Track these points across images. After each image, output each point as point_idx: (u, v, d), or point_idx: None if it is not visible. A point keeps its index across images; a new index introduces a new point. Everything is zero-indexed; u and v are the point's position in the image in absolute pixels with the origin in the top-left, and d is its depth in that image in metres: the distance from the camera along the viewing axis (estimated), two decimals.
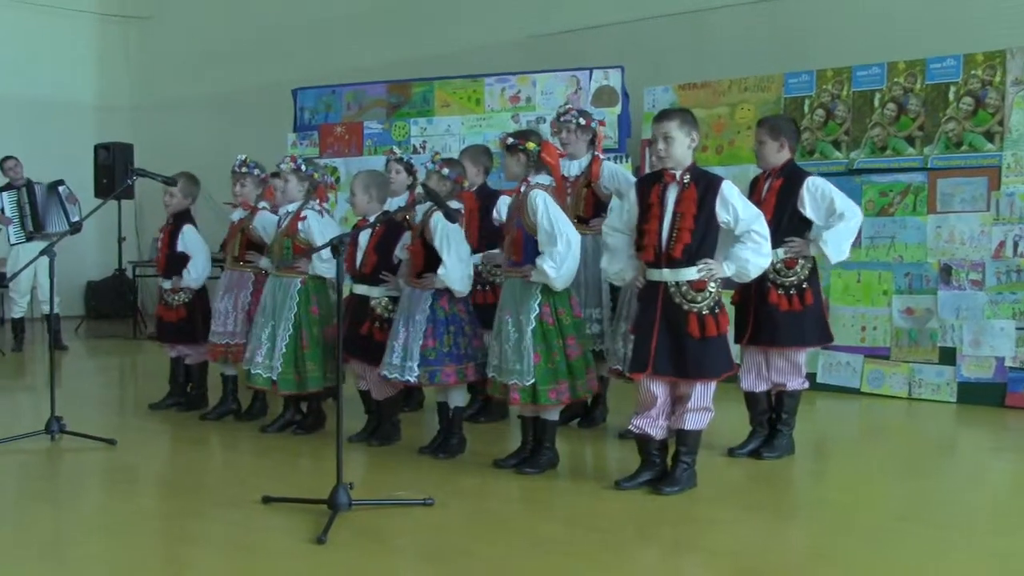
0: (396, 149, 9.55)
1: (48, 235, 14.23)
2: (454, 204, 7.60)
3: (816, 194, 7.47)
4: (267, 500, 6.49)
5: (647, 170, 8.27)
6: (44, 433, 8.36)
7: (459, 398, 7.93)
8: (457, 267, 7.49)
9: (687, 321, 6.57)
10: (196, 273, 9.51)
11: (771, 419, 7.84)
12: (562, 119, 8.51)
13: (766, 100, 11.38)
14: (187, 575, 5.50)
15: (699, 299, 6.57)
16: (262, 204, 9.29)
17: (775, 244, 7.26)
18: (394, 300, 8.10)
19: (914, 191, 10.37)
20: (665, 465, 6.86)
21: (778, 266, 7.45)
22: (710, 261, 6.56)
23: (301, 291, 8.50)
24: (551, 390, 7.08)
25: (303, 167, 8.64)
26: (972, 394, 9.93)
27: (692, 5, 13.42)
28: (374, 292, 8.11)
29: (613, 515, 6.35)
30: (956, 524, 6.27)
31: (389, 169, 8.99)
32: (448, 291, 7.61)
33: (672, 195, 6.65)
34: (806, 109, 11.10)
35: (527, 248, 7.07)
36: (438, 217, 7.42)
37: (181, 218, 9.64)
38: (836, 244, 7.45)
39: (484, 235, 8.62)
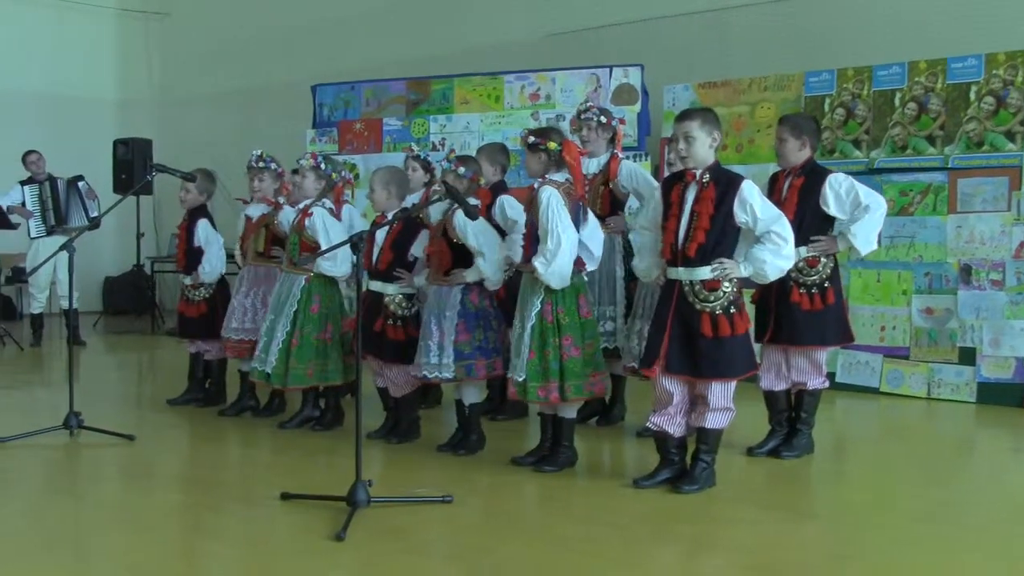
0: (414, 146, 9.59)
1: (69, 230, 14.25)
2: (473, 202, 7.60)
3: (840, 190, 7.44)
4: (285, 496, 6.49)
5: (666, 169, 8.24)
6: (63, 428, 8.37)
7: (474, 394, 7.92)
8: (495, 259, 7.52)
9: (700, 321, 6.56)
10: (210, 267, 9.52)
11: (791, 418, 7.82)
12: (583, 116, 8.51)
13: (786, 99, 11.36)
14: (205, 570, 5.51)
15: (712, 299, 6.55)
16: (282, 199, 9.29)
17: (797, 243, 7.25)
18: (408, 297, 8.12)
19: (934, 191, 10.34)
20: (684, 463, 6.85)
21: (800, 265, 7.42)
22: (726, 261, 6.54)
23: (304, 288, 8.52)
24: (540, 388, 7.09)
25: (322, 165, 8.64)
26: (992, 394, 9.90)
27: (712, 3, 13.40)
28: (388, 289, 8.10)
29: (631, 513, 6.34)
30: (975, 525, 6.24)
31: (407, 166, 9.00)
32: (477, 286, 7.65)
33: (691, 194, 6.64)
34: (826, 108, 11.08)
35: (534, 244, 7.07)
36: (460, 216, 7.42)
37: (197, 213, 9.66)
38: (865, 235, 7.43)
39: None
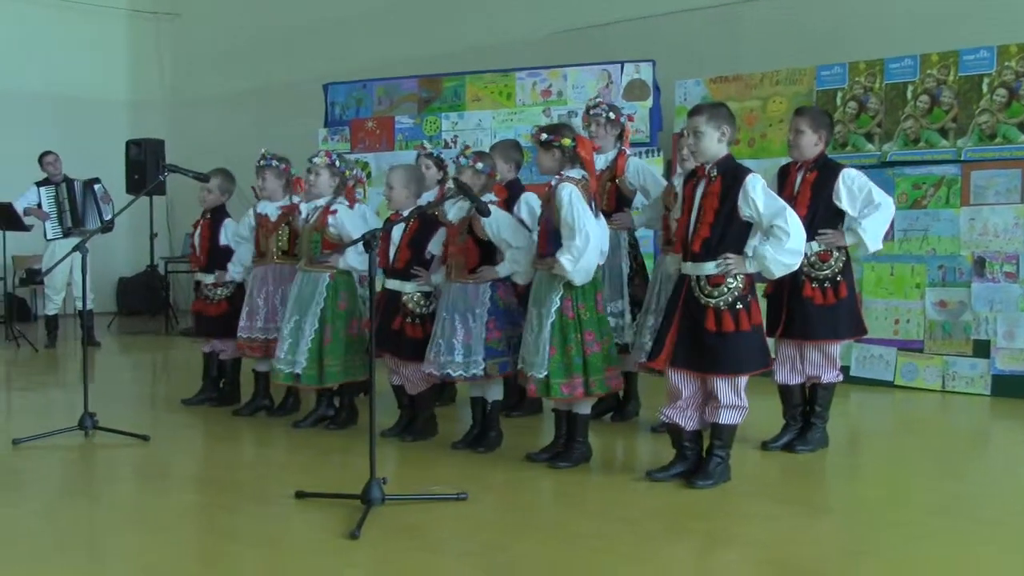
0: (427, 144, 9.58)
1: (85, 232, 14.26)
2: (489, 197, 7.61)
3: (852, 186, 7.43)
4: (300, 495, 6.50)
5: (678, 164, 8.25)
6: (78, 429, 8.39)
7: (497, 392, 7.94)
8: (525, 252, 7.49)
9: (704, 316, 6.57)
10: (241, 266, 9.53)
11: (805, 412, 7.82)
12: (592, 112, 8.52)
13: (798, 93, 11.35)
14: (221, 569, 5.51)
15: (715, 294, 6.55)
16: (296, 198, 9.30)
17: (809, 237, 7.26)
18: (426, 295, 8.11)
19: (947, 183, 10.33)
20: (699, 457, 6.85)
21: (812, 259, 7.42)
22: (731, 256, 6.52)
23: (330, 286, 8.51)
24: (564, 384, 7.07)
25: (337, 163, 8.65)
26: (1006, 387, 9.89)
27: None
28: (406, 287, 8.09)
29: (646, 509, 6.36)
30: (990, 519, 6.23)
31: (419, 164, 9.00)
32: (503, 282, 7.66)
33: (700, 189, 6.65)
34: (838, 102, 11.07)
35: (552, 241, 7.06)
36: (492, 211, 7.45)
37: (219, 213, 9.68)
38: (874, 232, 7.43)
39: None
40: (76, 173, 15.22)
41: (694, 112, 6.71)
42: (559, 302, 7.05)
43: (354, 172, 8.91)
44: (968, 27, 11.00)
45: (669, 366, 6.70)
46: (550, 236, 7.09)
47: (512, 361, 7.61)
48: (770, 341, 7.38)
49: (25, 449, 8.07)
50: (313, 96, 15.26)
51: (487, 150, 8.68)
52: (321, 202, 8.65)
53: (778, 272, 6.56)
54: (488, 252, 7.64)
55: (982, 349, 10.08)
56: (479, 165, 7.71)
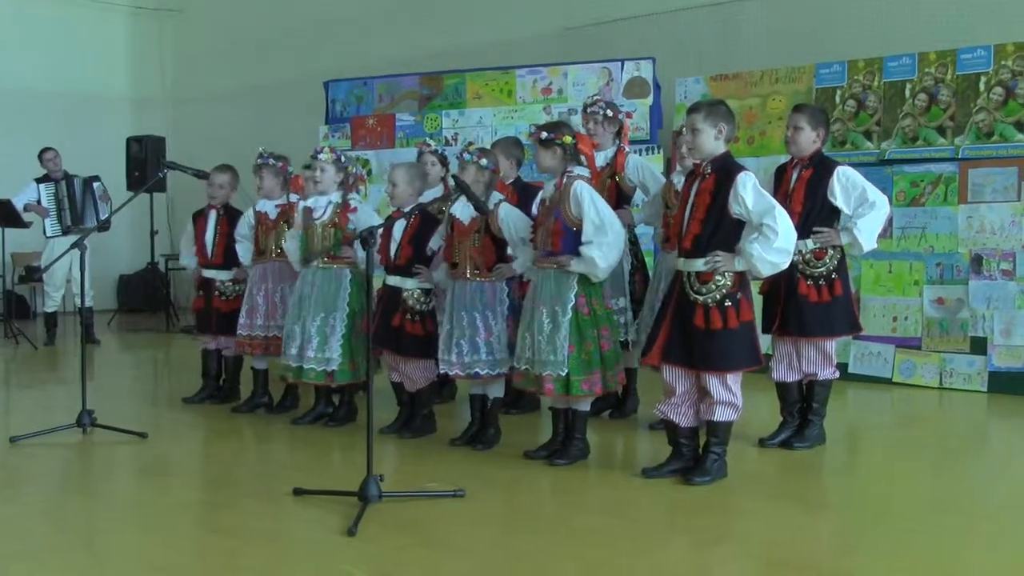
0: (430, 141, 9.58)
1: (85, 230, 14.27)
2: (497, 196, 7.64)
3: (847, 184, 7.46)
4: (298, 492, 6.53)
5: (677, 161, 8.27)
6: (76, 426, 8.40)
7: (498, 389, 7.95)
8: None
9: (694, 312, 6.59)
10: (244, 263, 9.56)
11: (802, 409, 7.83)
12: (589, 110, 8.53)
13: (797, 91, 11.37)
14: (219, 566, 5.52)
15: (704, 291, 6.57)
16: (296, 196, 9.31)
17: (804, 235, 7.31)
18: (426, 292, 8.13)
19: (945, 181, 10.35)
20: (695, 454, 6.87)
21: (807, 256, 7.45)
22: (720, 254, 6.54)
23: (353, 281, 8.53)
24: (584, 381, 7.07)
25: (342, 158, 8.65)
26: (1003, 384, 9.92)
27: None
28: (407, 284, 8.10)
29: (644, 505, 6.38)
30: (988, 515, 6.26)
31: (424, 161, 9.02)
32: (515, 280, 7.73)
33: (695, 186, 6.68)
34: (837, 100, 11.10)
35: (566, 239, 7.07)
36: (507, 209, 7.47)
37: (232, 210, 9.71)
38: (869, 231, 7.45)
39: None
40: (77, 170, 15.24)
41: (692, 109, 6.75)
42: (575, 299, 7.07)
43: (355, 170, 8.91)
44: (965, 26, 11.03)
45: (663, 362, 6.73)
46: (565, 234, 7.08)
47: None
48: (767, 338, 7.42)
49: (23, 447, 8.08)
50: (314, 93, 15.30)
51: (488, 147, 8.70)
52: (334, 198, 8.63)
53: (766, 271, 6.56)
54: (502, 250, 7.68)
55: (979, 346, 10.10)
56: (483, 161, 7.71)
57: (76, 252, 8.59)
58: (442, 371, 7.88)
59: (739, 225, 6.55)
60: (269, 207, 9.37)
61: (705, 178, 6.62)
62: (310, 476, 6.95)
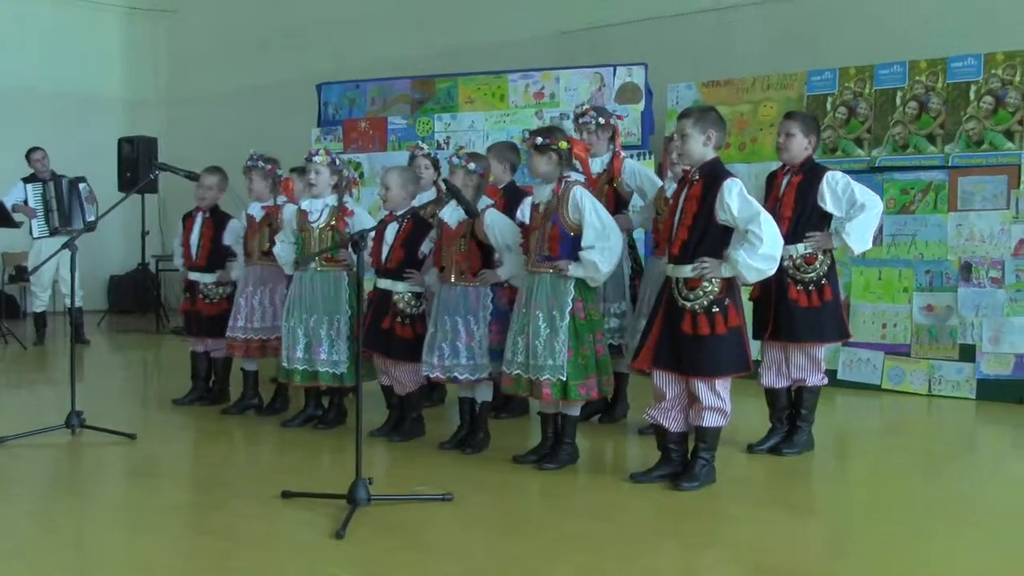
0: (423, 145, 9.58)
1: (72, 230, 14.28)
2: (486, 201, 7.65)
3: (836, 188, 7.47)
4: (287, 495, 6.52)
5: (669, 167, 8.29)
6: (64, 427, 8.40)
7: (487, 393, 7.95)
8: (520, 258, 7.53)
9: (682, 318, 6.62)
10: (241, 268, 9.54)
11: (791, 415, 7.85)
12: (581, 121, 8.51)
13: (789, 98, 11.38)
14: (207, 568, 5.52)
15: (691, 297, 6.59)
16: (283, 199, 9.32)
17: (795, 240, 7.35)
18: (417, 296, 8.13)
19: (935, 189, 10.37)
20: (684, 459, 6.88)
21: (798, 262, 7.47)
22: (707, 260, 6.55)
23: (351, 283, 8.51)
24: (581, 385, 7.08)
25: (336, 161, 8.65)
26: (991, 391, 9.95)
27: (716, 3, 13.44)
28: (398, 287, 8.11)
29: (633, 510, 6.39)
30: (976, 521, 6.28)
31: (416, 164, 9.02)
32: (500, 286, 7.72)
33: (684, 192, 6.71)
34: (828, 107, 11.12)
35: (564, 244, 7.08)
36: (494, 215, 7.48)
37: (219, 213, 9.70)
38: (859, 234, 7.47)
39: None
40: (69, 170, 15.22)
41: (683, 115, 6.77)
42: (571, 304, 7.08)
43: (348, 174, 8.92)
44: (956, 35, 11.06)
45: (653, 367, 6.75)
46: (563, 239, 7.09)
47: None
48: (757, 344, 7.43)
49: (11, 447, 8.06)
50: (306, 96, 15.28)
51: (482, 151, 8.71)
52: (330, 201, 8.62)
53: (752, 277, 6.58)
54: (488, 255, 7.68)
55: (968, 353, 10.12)
56: (471, 166, 7.70)
57: (63, 253, 8.59)
58: (424, 372, 7.89)
59: (727, 231, 6.56)
60: (256, 210, 9.38)
61: (693, 184, 6.64)
62: (299, 478, 6.95)
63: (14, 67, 18.88)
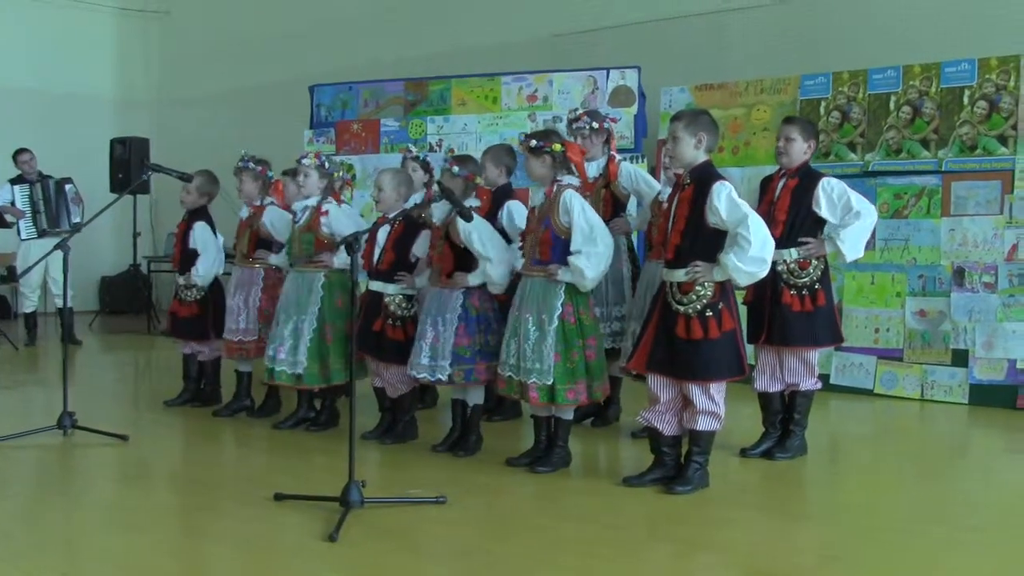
0: (412, 147, 9.57)
1: (60, 232, 14.28)
2: (471, 202, 7.63)
3: (832, 194, 7.48)
4: (279, 497, 6.50)
5: (662, 171, 8.28)
6: (56, 428, 8.39)
7: (478, 396, 7.94)
8: (501, 264, 7.53)
9: (675, 322, 6.61)
10: (204, 270, 9.50)
11: (784, 420, 7.85)
12: (574, 126, 8.48)
13: (782, 102, 11.39)
14: (199, 570, 5.52)
15: (685, 301, 6.58)
16: (268, 200, 9.32)
17: (789, 244, 7.36)
18: (408, 298, 8.13)
19: (928, 194, 10.38)
20: (677, 463, 6.88)
21: (791, 266, 7.47)
22: (700, 264, 6.54)
23: (325, 285, 8.53)
24: (569, 390, 7.09)
25: (326, 164, 8.66)
26: (984, 396, 9.94)
27: (709, 6, 13.41)
28: (389, 289, 8.10)
29: (626, 514, 6.38)
30: (968, 526, 6.28)
31: (406, 167, 9.02)
32: (478, 290, 7.67)
33: (676, 196, 6.71)
34: (822, 111, 11.11)
35: (555, 248, 7.08)
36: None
37: (196, 215, 9.65)
38: (853, 242, 7.47)
39: None
40: (61, 171, 15.19)
41: (675, 117, 6.77)
42: (561, 308, 7.07)
43: (341, 175, 8.93)
44: (950, 40, 11.05)
45: (647, 370, 6.75)
46: (554, 243, 7.10)
47: (487, 368, 7.65)
48: (751, 349, 7.42)
49: (3, 448, 8.04)
50: (299, 97, 15.26)
51: (477, 154, 8.71)
52: (311, 202, 8.66)
53: (743, 281, 6.57)
54: (465, 258, 7.66)
55: (961, 358, 10.12)
56: (455, 169, 7.72)
57: (53, 254, 8.59)
58: (408, 372, 7.90)
59: (719, 235, 6.54)
60: (245, 211, 9.41)
61: (685, 188, 6.64)
62: (291, 480, 6.93)
63: (5, 68, 18.79)
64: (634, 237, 9.30)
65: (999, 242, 9.98)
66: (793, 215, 7.49)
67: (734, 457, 7.76)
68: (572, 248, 6.99)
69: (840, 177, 7.89)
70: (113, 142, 17.54)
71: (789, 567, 5.50)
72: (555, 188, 7.15)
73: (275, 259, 9.11)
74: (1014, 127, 9.97)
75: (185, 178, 9.36)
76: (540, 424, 7.49)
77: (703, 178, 6.59)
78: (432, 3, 16.43)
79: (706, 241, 6.56)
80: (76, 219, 14.72)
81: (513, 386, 7.24)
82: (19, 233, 14.78)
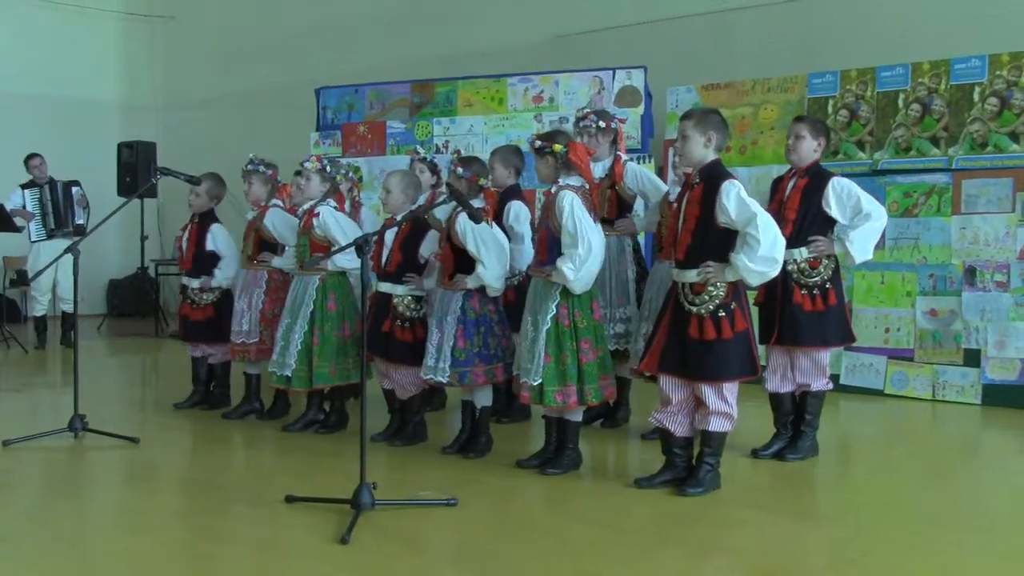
0: (420, 149, 9.58)
1: (69, 234, 14.31)
2: (476, 203, 7.61)
3: (842, 194, 7.45)
4: (290, 499, 6.49)
5: (670, 171, 8.26)
6: (67, 431, 8.39)
7: (486, 398, 7.92)
8: (495, 267, 7.52)
9: (688, 323, 6.59)
10: (229, 272, 9.53)
11: (795, 420, 7.82)
12: (581, 124, 8.46)
13: (789, 100, 11.36)
14: (210, 573, 5.50)
15: (697, 302, 6.56)
16: (274, 202, 9.31)
17: (799, 244, 7.33)
18: (417, 299, 8.11)
19: (938, 192, 10.34)
20: (688, 464, 6.86)
21: (802, 266, 7.44)
22: (711, 264, 6.52)
23: (319, 288, 8.53)
24: (557, 392, 7.08)
25: (327, 168, 8.65)
26: (996, 396, 9.90)
27: (716, 5, 13.40)
28: (397, 290, 8.09)
29: (637, 516, 6.36)
30: (981, 527, 6.24)
31: (413, 169, 9.01)
32: (478, 292, 7.65)
33: (686, 196, 6.68)
34: (830, 109, 11.08)
35: (552, 249, 7.07)
36: (464, 219, 7.43)
37: (207, 218, 9.66)
38: (862, 244, 7.44)
39: None
40: (68, 175, 15.20)
41: (685, 116, 6.75)
42: (555, 310, 7.06)
43: (349, 176, 8.93)
44: (959, 36, 11.02)
45: (659, 371, 6.72)
46: (550, 244, 7.09)
47: (487, 371, 7.67)
48: (762, 349, 7.40)
49: (15, 450, 8.05)
50: (305, 100, 15.25)
51: (484, 155, 8.71)
52: (307, 206, 8.66)
53: (754, 280, 6.55)
54: (465, 260, 7.65)
55: (972, 358, 10.08)
56: (459, 170, 7.73)
57: (63, 257, 8.58)
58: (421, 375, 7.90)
59: (730, 234, 6.51)
60: (251, 214, 9.41)
61: (694, 188, 6.62)
62: (302, 483, 6.91)
63: (13, 73, 18.86)
64: (641, 238, 9.29)
65: (1011, 240, 9.94)
66: (803, 214, 7.46)
67: (745, 458, 7.74)
68: (562, 250, 6.99)
69: (849, 176, 7.86)
70: (120, 146, 17.57)
71: (801, 569, 5.49)
72: (554, 189, 7.14)
73: (278, 262, 9.10)
74: None
75: (194, 181, 9.37)
76: (551, 426, 7.47)
77: (712, 177, 6.56)
78: (437, 5, 16.44)
79: (716, 240, 6.54)
80: (79, 221, 14.76)
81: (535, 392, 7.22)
82: (30, 236, 14.80)
